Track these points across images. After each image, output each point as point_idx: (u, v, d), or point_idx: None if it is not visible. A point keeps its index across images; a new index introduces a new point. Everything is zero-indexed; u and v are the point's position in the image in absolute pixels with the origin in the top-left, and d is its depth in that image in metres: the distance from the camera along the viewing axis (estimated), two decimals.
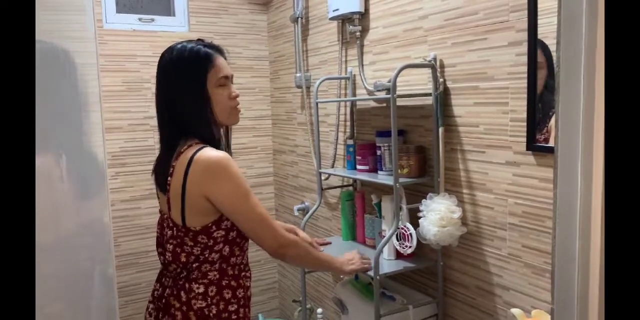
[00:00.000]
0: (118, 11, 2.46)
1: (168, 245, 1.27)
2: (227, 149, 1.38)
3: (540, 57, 1.27)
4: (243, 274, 1.32)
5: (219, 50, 1.29)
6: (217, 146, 1.26)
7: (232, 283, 1.28)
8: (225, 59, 1.31)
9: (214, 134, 1.27)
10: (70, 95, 0.97)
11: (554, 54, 1.23)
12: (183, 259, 1.24)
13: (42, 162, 0.86)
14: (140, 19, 2.50)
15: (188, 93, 1.24)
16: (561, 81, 0.63)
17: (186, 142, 1.24)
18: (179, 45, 1.26)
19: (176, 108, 1.24)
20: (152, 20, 2.53)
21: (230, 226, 1.25)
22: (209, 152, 1.19)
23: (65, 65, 0.91)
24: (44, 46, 0.74)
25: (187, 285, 1.25)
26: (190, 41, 1.28)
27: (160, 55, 1.28)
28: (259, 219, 1.24)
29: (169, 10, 2.60)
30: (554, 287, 0.63)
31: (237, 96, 1.30)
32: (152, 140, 2.48)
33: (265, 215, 1.25)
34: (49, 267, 0.87)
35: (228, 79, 1.29)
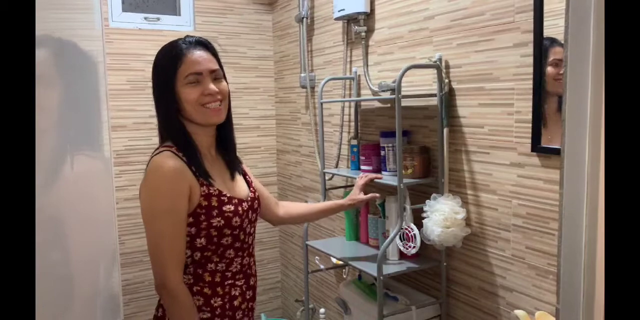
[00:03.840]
0: (124, 10, 2.47)
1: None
2: (226, 147, 1.36)
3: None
4: (228, 282, 1.25)
5: (200, 44, 1.23)
6: (190, 150, 1.22)
7: (206, 290, 1.22)
8: (215, 53, 1.25)
9: (185, 136, 1.23)
10: (97, 93, 0.99)
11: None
12: None
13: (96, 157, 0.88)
14: (146, 18, 2.51)
15: (158, 93, 1.24)
16: (568, 80, 0.63)
17: (163, 145, 1.24)
18: (166, 44, 1.25)
19: (156, 110, 1.26)
20: (158, 19, 2.54)
21: (196, 233, 1.19)
22: (160, 157, 1.18)
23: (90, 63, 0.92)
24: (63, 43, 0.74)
25: None
26: (178, 39, 1.25)
27: None
28: (153, 247, 1.18)
29: (174, 10, 2.60)
30: (560, 287, 0.63)
31: (209, 93, 1.20)
32: (156, 139, 2.47)
33: (161, 249, 1.16)
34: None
35: (202, 75, 1.20)
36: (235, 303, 1.27)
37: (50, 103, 0.65)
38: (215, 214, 1.20)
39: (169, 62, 1.21)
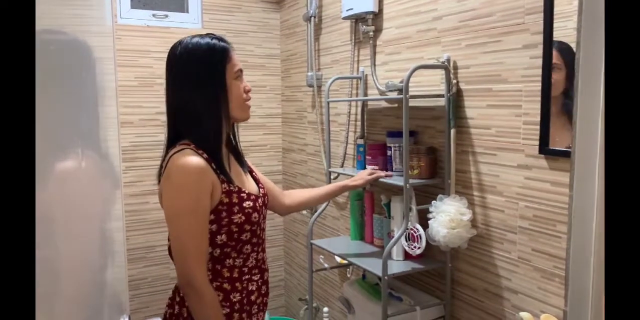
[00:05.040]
0: (132, 7, 2.48)
1: (168, 241, 1.27)
2: (236, 145, 1.37)
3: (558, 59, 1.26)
4: (246, 277, 1.27)
5: (229, 44, 1.28)
6: (215, 147, 1.23)
7: (225, 286, 1.23)
8: None
9: (220, 132, 1.24)
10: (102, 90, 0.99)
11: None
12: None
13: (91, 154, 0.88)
14: (154, 15, 2.52)
15: (206, 86, 1.21)
16: (580, 83, 0.63)
17: (181, 142, 1.23)
18: (193, 40, 1.23)
19: (190, 102, 1.21)
20: (166, 16, 2.55)
21: (217, 229, 1.20)
22: (182, 155, 1.17)
23: (88, 59, 0.92)
24: (65, 38, 0.74)
25: None
26: (201, 36, 1.25)
27: (170, 51, 1.25)
28: (178, 246, 1.17)
29: (182, 7, 2.61)
30: (568, 290, 0.63)
31: (250, 90, 1.30)
32: (162, 135, 2.48)
33: (186, 248, 1.16)
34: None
35: (242, 72, 1.29)
36: (252, 298, 1.28)
37: (53, 100, 0.65)
38: (236, 211, 1.21)
39: (217, 55, 1.23)
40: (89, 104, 0.89)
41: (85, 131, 0.85)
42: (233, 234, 1.22)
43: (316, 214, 2.02)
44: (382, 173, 1.67)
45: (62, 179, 0.68)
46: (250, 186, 1.33)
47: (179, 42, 1.25)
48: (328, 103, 1.94)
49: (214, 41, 1.24)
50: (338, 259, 2.09)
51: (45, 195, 0.57)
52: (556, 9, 1.25)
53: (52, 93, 0.64)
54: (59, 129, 0.66)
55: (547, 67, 1.28)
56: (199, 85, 1.21)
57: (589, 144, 0.62)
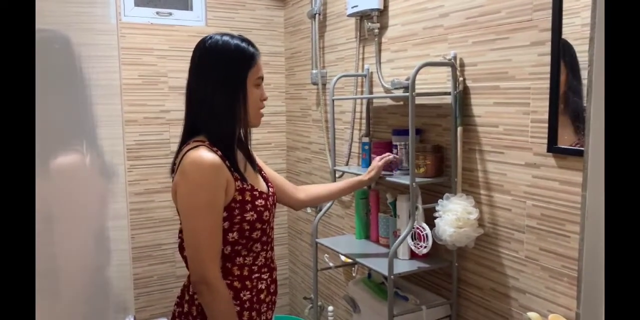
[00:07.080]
0: (136, 4, 2.47)
1: (178, 238, 1.27)
2: (247, 145, 1.37)
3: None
4: (255, 275, 1.27)
5: (257, 50, 1.29)
6: (227, 146, 1.23)
7: (236, 284, 1.24)
8: None
9: (234, 131, 1.24)
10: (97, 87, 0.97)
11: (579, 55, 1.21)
12: (185, 254, 1.24)
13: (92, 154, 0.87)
14: (157, 13, 2.51)
15: (228, 85, 1.22)
16: (594, 80, 0.61)
17: (195, 139, 1.23)
18: (224, 37, 1.24)
19: (211, 98, 1.22)
20: (170, 14, 2.53)
21: (229, 227, 1.20)
22: (197, 151, 1.17)
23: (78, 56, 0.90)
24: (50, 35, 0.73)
25: None
26: (232, 36, 1.25)
27: (197, 44, 1.26)
28: (193, 243, 1.17)
29: (186, 5, 2.60)
30: (580, 291, 0.62)
31: (266, 99, 1.30)
32: (167, 133, 2.49)
33: (201, 245, 1.15)
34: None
35: (262, 80, 1.29)
36: (262, 296, 1.29)
37: (52, 98, 0.64)
38: (248, 208, 1.22)
39: (243, 58, 1.23)
40: (86, 102, 0.88)
41: (83, 129, 0.84)
42: (244, 231, 1.22)
43: (321, 212, 2.01)
44: (391, 155, 1.67)
45: (61, 177, 0.67)
46: (261, 185, 1.33)
47: (210, 37, 1.25)
48: (333, 101, 1.93)
49: (244, 44, 1.25)
50: (343, 258, 2.09)
51: (44, 193, 0.56)
52: (565, 6, 1.23)
53: (51, 91, 0.63)
54: (58, 127, 0.65)
55: (556, 65, 1.26)
56: (222, 83, 1.22)
57: (603, 143, 0.60)
